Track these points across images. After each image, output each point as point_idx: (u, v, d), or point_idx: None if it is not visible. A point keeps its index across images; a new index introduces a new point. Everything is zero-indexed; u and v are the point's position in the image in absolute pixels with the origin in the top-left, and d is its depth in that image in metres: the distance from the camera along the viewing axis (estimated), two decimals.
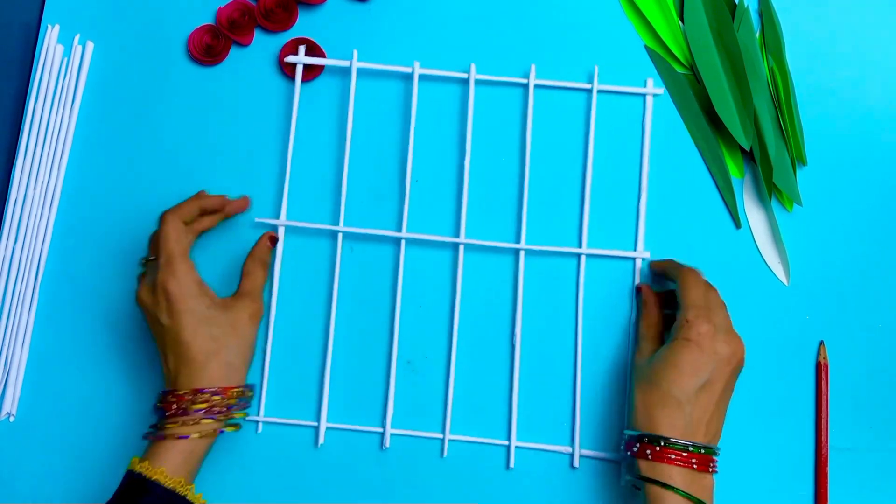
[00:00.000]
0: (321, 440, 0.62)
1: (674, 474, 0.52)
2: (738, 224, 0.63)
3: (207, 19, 0.67)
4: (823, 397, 0.61)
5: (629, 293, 0.63)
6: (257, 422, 0.63)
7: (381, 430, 0.62)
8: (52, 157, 0.66)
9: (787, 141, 0.63)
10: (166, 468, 0.53)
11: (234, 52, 0.67)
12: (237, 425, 0.57)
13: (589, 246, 0.63)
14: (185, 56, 0.67)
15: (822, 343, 0.62)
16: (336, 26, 0.67)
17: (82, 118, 0.67)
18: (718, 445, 0.54)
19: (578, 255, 0.63)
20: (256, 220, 0.64)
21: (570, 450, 0.62)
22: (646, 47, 0.65)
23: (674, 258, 0.62)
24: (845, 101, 0.65)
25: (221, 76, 0.67)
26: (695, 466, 0.52)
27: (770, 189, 0.63)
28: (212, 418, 0.55)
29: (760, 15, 0.65)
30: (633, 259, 0.63)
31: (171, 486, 0.53)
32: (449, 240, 0.63)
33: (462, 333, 0.63)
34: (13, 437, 0.63)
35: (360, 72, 0.66)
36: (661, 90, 0.65)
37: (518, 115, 0.65)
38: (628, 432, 0.55)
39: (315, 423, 0.63)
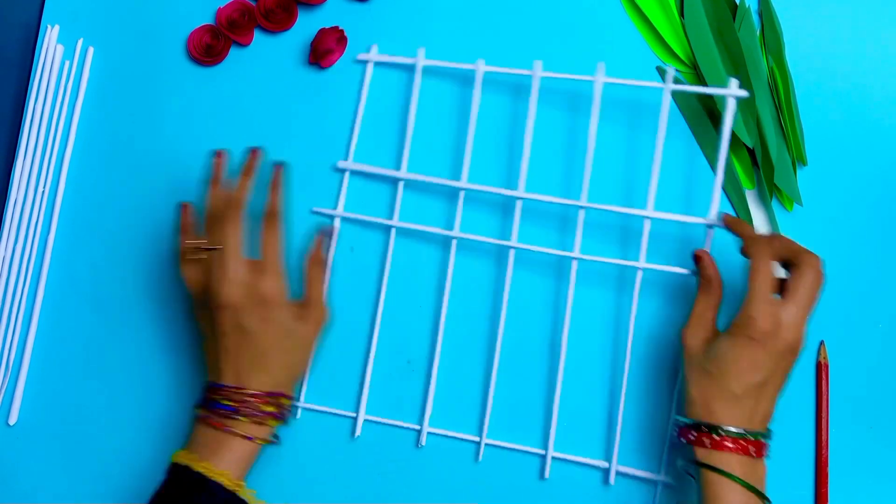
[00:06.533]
0: (358, 432, 0.62)
1: (732, 462, 0.51)
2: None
3: (207, 19, 0.67)
4: (823, 397, 0.61)
5: (675, 306, 0.62)
6: (297, 406, 0.62)
7: (418, 427, 0.62)
8: (52, 158, 0.66)
9: (787, 141, 0.63)
10: (230, 471, 0.53)
11: (234, 53, 0.67)
12: (278, 438, 0.57)
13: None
14: (185, 56, 0.67)
15: (822, 343, 0.62)
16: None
17: (82, 117, 0.67)
18: (770, 428, 0.54)
19: (636, 267, 0.61)
20: (314, 209, 0.64)
21: (606, 465, 0.61)
22: (657, 68, 0.65)
23: (746, 224, 0.58)
24: (845, 101, 0.65)
25: (221, 76, 0.67)
26: (753, 454, 0.52)
27: (771, 189, 0.63)
28: (278, 420, 0.56)
29: (760, 15, 0.65)
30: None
31: (232, 488, 0.53)
32: (498, 242, 0.63)
33: (506, 337, 0.62)
34: (15, 439, 0.63)
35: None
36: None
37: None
38: (683, 420, 0.54)
39: (354, 414, 0.62)
